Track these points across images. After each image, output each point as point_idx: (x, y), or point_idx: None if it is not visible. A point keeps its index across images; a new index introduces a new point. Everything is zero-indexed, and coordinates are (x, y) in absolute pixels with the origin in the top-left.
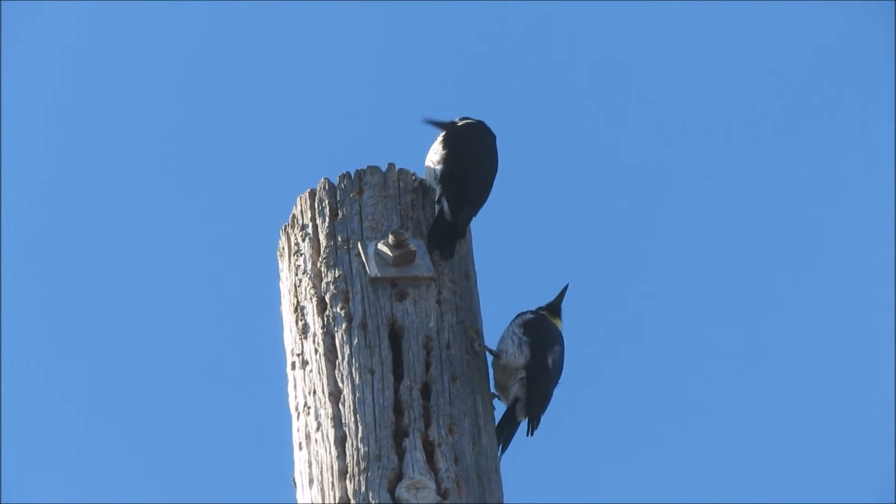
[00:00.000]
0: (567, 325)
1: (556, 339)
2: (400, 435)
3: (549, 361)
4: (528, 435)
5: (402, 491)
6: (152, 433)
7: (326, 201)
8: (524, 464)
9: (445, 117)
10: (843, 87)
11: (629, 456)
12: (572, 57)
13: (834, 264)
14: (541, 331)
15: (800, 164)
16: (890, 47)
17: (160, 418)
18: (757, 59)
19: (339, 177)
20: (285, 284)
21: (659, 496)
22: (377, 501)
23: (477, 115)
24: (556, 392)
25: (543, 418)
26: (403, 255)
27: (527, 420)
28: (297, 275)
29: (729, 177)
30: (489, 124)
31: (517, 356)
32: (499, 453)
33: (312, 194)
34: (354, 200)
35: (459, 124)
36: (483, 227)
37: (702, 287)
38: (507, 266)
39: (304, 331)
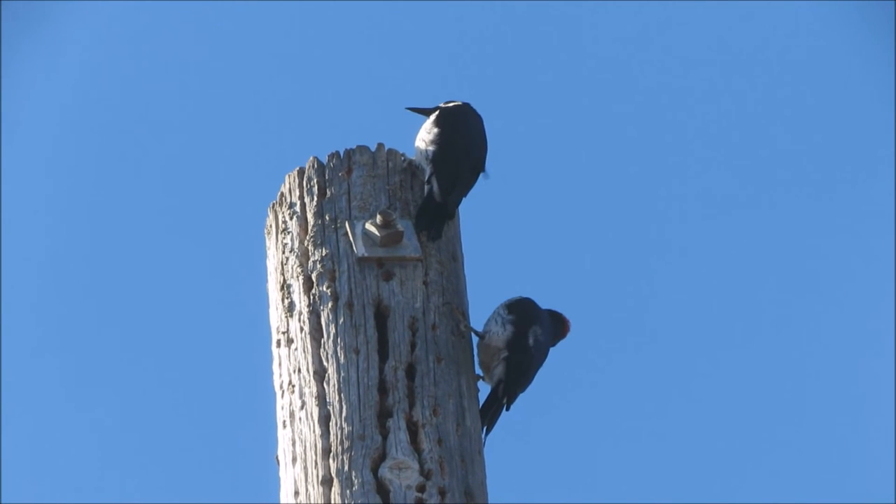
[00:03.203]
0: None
1: (537, 318)
2: (384, 415)
3: (531, 340)
4: (505, 409)
5: (385, 471)
6: (135, 409)
7: (315, 180)
8: (522, 464)
9: (431, 102)
10: (843, 88)
11: (627, 456)
12: (563, 40)
13: (834, 264)
14: (524, 310)
15: (799, 163)
16: (890, 47)
17: (143, 394)
18: (756, 59)
19: (329, 156)
20: (272, 262)
21: (659, 496)
22: (360, 481)
23: (467, 94)
24: (553, 396)
25: (544, 417)
26: (391, 236)
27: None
28: (283, 253)
29: (728, 177)
30: (478, 103)
31: (500, 335)
32: (483, 435)
33: (301, 173)
34: (343, 180)
35: (449, 106)
36: (471, 210)
37: (698, 285)
38: (495, 249)
39: (290, 309)
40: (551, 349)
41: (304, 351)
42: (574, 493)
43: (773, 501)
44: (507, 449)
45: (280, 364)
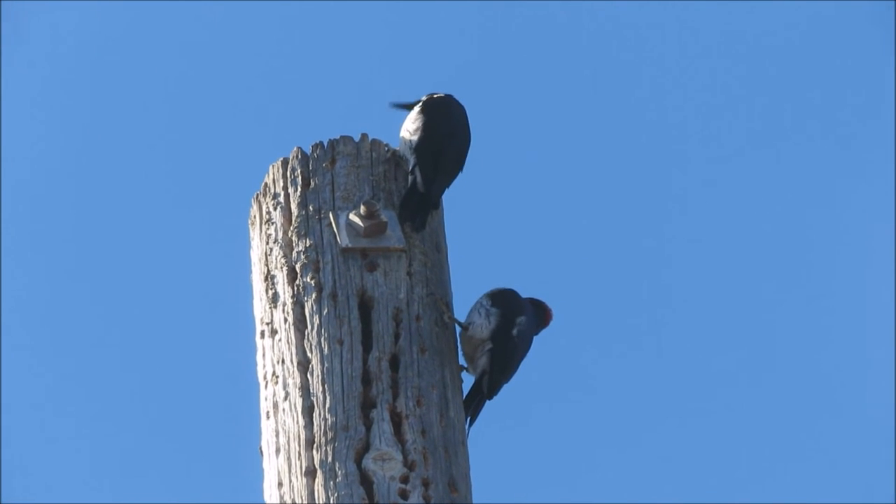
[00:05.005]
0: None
1: (521, 309)
2: (368, 406)
3: (515, 331)
4: (487, 399)
5: (368, 462)
6: (118, 399)
7: (299, 170)
8: (507, 455)
9: (415, 92)
10: (843, 87)
11: (627, 456)
12: (542, 27)
13: (834, 264)
14: (507, 301)
15: (799, 163)
16: (890, 47)
17: (126, 384)
18: (755, 59)
19: (312, 146)
20: (256, 253)
21: (659, 496)
22: (344, 472)
23: (450, 84)
24: (537, 386)
25: (528, 408)
26: (375, 226)
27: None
28: (267, 243)
29: (726, 175)
30: (461, 92)
31: (484, 327)
32: (466, 426)
33: (285, 163)
34: (327, 170)
35: (433, 97)
36: (455, 200)
37: (683, 273)
38: (478, 239)
39: (274, 300)
40: (535, 338)
41: (288, 342)
42: (560, 484)
43: (773, 502)
44: (491, 440)
45: (264, 355)
